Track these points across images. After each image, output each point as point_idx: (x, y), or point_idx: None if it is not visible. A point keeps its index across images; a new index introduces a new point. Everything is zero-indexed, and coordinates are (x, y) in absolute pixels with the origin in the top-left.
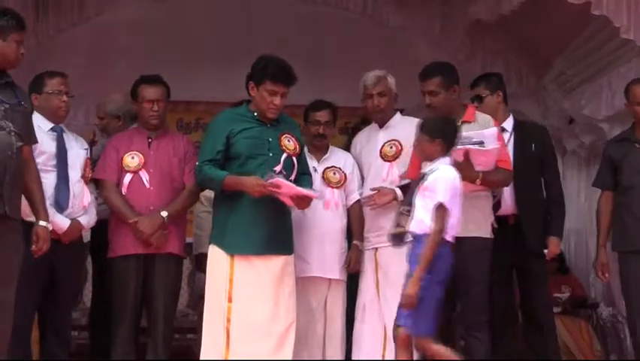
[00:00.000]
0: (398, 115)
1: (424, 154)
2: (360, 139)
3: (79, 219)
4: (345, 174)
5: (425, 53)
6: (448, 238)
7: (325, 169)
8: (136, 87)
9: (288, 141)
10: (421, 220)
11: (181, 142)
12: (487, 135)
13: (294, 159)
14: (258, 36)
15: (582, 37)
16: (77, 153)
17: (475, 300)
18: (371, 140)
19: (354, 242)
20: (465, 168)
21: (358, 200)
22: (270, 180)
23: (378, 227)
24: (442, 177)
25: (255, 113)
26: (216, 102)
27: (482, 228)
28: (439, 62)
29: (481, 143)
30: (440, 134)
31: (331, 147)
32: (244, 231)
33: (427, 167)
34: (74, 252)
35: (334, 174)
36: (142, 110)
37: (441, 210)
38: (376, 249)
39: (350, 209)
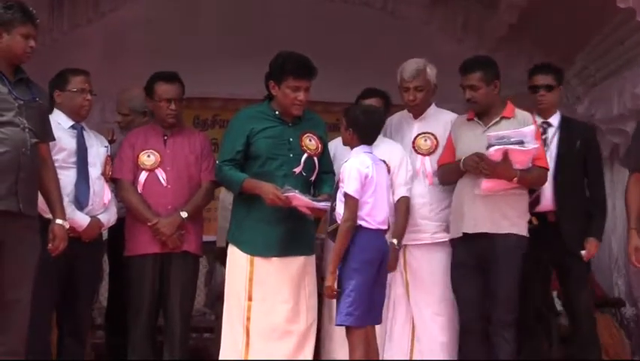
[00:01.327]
0: (434, 106)
1: (342, 141)
2: (390, 125)
3: (99, 217)
4: (388, 167)
5: (446, 49)
6: (367, 224)
7: None
8: (152, 84)
9: (310, 140)
10: (339, 213)
11: (197, 139)
12: (527, 134)
13: (315, 159)
14: (274, 30)
15: (605, 31)
16: (98, 150)
17: (503, 298)
18: (403, 129)
19: (392, 240)
20: (503, 167)
21: (406, 196)
22: (285, 194)
23: (410, 223)
24: (347, 167)
25: (277, 112)
26: (233, 98)
27: (516, 225)
28: (481, 56)
29: (520, 142)
30: (353, 124)
31: (380, 138)
32: (262, 231)
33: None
34: (93, 250)
35: None
36: (159, 109)
37: (347, 199)
38: (405, 246)
39: (396, 205)
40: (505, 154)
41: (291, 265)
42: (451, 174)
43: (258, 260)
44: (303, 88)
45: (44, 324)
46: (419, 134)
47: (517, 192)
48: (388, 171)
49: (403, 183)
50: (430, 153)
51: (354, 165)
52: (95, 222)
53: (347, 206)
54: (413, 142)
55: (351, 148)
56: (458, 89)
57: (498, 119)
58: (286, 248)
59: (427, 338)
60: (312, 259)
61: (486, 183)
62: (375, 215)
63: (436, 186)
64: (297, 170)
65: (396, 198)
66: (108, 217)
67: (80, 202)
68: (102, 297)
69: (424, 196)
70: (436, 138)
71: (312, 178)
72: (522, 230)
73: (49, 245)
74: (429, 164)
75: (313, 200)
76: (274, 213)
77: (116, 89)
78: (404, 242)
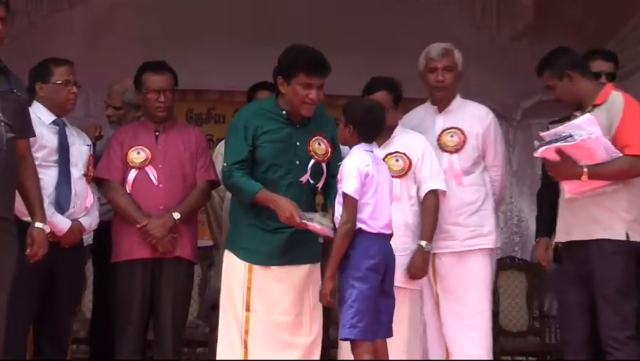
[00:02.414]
0: (459, 98)
1: (340, 139)
2: (411, 120)
3: (80, 220)
4: (410, 161)
5: (465, 34)
6: (367, 228)
7: (386, 156)
8: (139, 75)
9: (319, 144)
10: (338, 216)
11: (192, 135)
12: (579, 125)
13: (324, 165)
14: (277, 15)
15: (635, 20)
16: (80, 149)
17: (608, 313)
18: (425, 124)
19: (420, 242)
20: (564, 166)
21: (434, 190)
22: (303, 221)
23: (438, 228)
24: (346, 165)
25: (284, 112)
26: (230, 91)
27: (610, 229)
28: (547, 54)
29: (570, 136)
30: (352, 121)
31: (399, 129)
32: (262, 238)
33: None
34: (74, 256)
35: (396, 161)
36: (147, 102)
37: (346, 199)
38: (435, 255)
39: (423, 201)
40: (561, 152)
41: (293, 273)
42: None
43: (256, 269)
44: (315, 86)
45: (20, 337)
46: (444, 130)
47: (610, 189)
48: (410, 164)
49: (429, 176)
50: (457, 150)
51: (353, 163)
52: (76, 226)
53: (346, 207)
54: (438, 138)
55: (350, 147)
56: (479, 80)
57: (590, 108)
58: (288, 256)
59: (457, 354)
60: (317, 267)
61: (565, 186)
62: (376, 218)
63: (466, 187)
64: (304, 179)
65: (422, 194)
66: (90, 221)
67: (61, 204)
68: (86, 308)
69: (451, 199)
70: (463, 133)
71: (320, 185)
72: (620, 234)
73: (27, 250)
74: (457, 162)
75: (331, 228)
76: (276, 216)
77: (101, 80)
78: (433, 250)
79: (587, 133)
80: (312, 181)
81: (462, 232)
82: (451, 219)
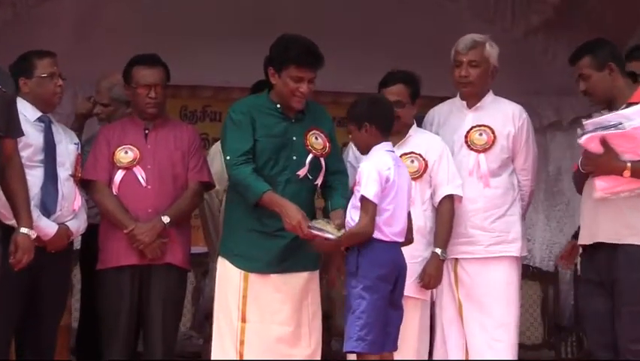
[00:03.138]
0: (491, 94)
1: (360, 148)
2: (437, 115)
3: (67, 224)
4: (425, 162)
5: (476, 28)
6: (381, 235)
7: (401, 156)
8: (129, 69)
9: (316, 138)
10: (350, 222)
11: (184, 133)
12: (629, 115)
13: (322, 159)
14: (277, 7)
15: None
16: (67, 147)
17: (628, 322)
18: (453, 120)
19: (435, 250)
20: (606, 159)
21: (450, 196)
22: (311, 231)
23: (461, 232)
24: (366, 167)
25: (278, 106)
26: (226, 87)
27: None
28: (590, 40)
29: (619, 124)
30: (366, 118)
31: (415, 128)
32: (259, 243)
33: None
34: (60, 262)
35: (412, 162)
36: (137, 97)
37: (366, 203)
38: (457, 260)
39: (438, 207)
40: (605, 143)
41: (291, 281)
42: (576, 178)
43: (252, 277)
44: (306, 79)
45: (2, 348)
46: (473, 127)
47: None
48: (426, 166)
49: (445, 180)
50: (485, 150)
51: (373, 166)
52: (63, 230)
53: (365, 211)
54: (466, 136)
55: (366, 151)
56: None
57: (625, 106)
58: (287, 263)
59: None
60: (316, 275)
61: (599, 183)
62: (392, 225)
63: (493, 189)
64: (302, 173)
65: (437, 199)
66: (78, 225)
67: (47, 207)
68: (72, 317)
69: (476, 201)
70: (493, 132)
71: (318, 182)
72: None
73: (11, 258)
74: (484, 163)
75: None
76: (273, 220)
77: (90, 75)
78: (454, 255)
79: (638, 122)
80: (310, 177)
81: (486, 237)
82: (475, 223)
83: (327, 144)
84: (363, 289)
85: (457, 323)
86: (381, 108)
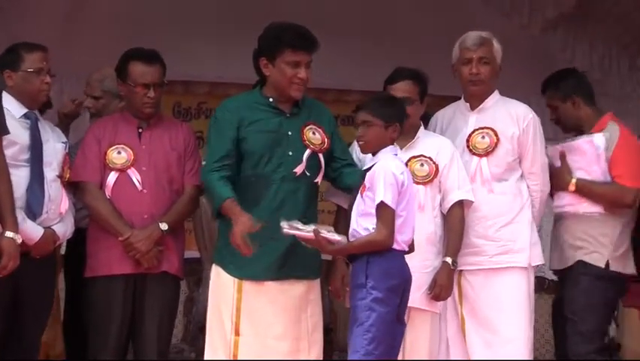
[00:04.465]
0: (496, 94)
1: (370, 147)
2: (440, 119)
3: (54, 227)
4: (436, 166)
5: (491, 22)
6: (395, 244)
7: (410, 159)
8: (125, 63)
9: (313, 133)
10: (354, 229)
11: (180, 132)
12: (585, 138)
13: (321, 156)
14: (275, 1)
15: None
16: (54, 146)
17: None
18: (456, 123)
19: (445, 259)
20: (559, 172)
21: (460, 202)
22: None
23: (465, 242)
24: (380, 170)
25: (271, 100)
26: (222, 82)
27: (590, 254)
28: (555, 73)
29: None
30: (396, 117)
31: (422, 130)
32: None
33: (371, 160)
34: (45, 268)
35: (421, 165)
36: (133, 96)
37: (383, 210)
38: (460, 272)
39: (448, 213)
40: (562, 156)
41: (289, 291)
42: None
43: (247, 285)
44: (303, 63)
45: None
46: (475, 130)
47: (600, 216)
48: (436, 170)
49: (456, 185)
50: (487, 154)
51: (389, 169)
52: (49, 234)
53: (384, 219)
54: (468, 140)
55: (373, 152)
56: (505, 73)
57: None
58: (285, 269)
59: None
60: (317, 283)
61: (554, 199)
62: (403, 232)
63: (498, 195)
64: (299, 170)
65: (447, 205)
66: (65, 229)
67: (33, 209)
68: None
69: (479, 209)
70: (495, 135)
71: (318, 180)
72: (599, 260)
73: None
74: (486, 167)
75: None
76: (271, 225)
77: (78, 69)
78: (466, 266)
79: (590, 139)
80: (308, 173)
81: (491, 246)
82: (480, 232)
83: (326, 140)
84: (374, 301)
85: (459, 339)
86: (404, 110)
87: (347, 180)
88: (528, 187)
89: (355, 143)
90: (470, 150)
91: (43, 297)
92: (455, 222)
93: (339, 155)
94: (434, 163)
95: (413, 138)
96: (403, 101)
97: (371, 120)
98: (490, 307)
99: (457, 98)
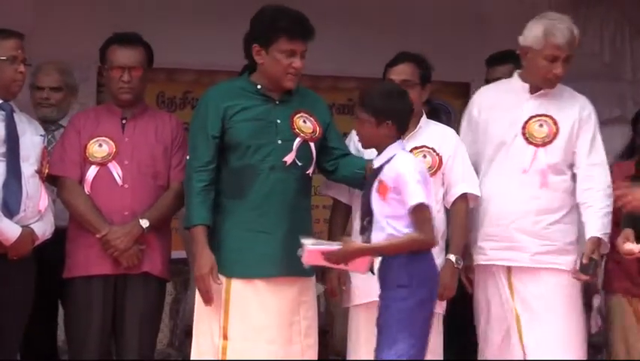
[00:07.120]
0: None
1: (367, 142)
2: (485, 99)
3: (32, 226)
4: (439, 158)
5: (492, 8)
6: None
7: (411, 150)
8: (105, 48)
9: (304, 121)
10: (391, 234)
11: (167, 124)
12: None
13: (312, 145)
14: None
15: None
16: (32, 140)
17: None
18: (507, 104)
19: (449, 257)
20: None
21: (464, 195)
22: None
23: (500, 235)
24: (402, 169)
25: (259, 87)
26: (209, 70)
27: None
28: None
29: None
30: (389, 114)
31: (425, 120)
32: (246, 243)
33: (376, 158)
34: (23, 270)
35: (424, 156)
36: (109, 81)
37: (422, 211)
38: (509, 269)
39: (452, 207)
40: None
41: (281, 291)
42: None
43: (236, 284)
44: (299, 52)
45: None
46: (532, 117)
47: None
48: (440, 162)
49: (460, 177)
50: (545, 144)
51: (409, 167)
52: (27, 233)
53: (424, 219)
54: (524, 126)
55: (371, 147)
56: None
57: None
58: (276, 267)
59: None
60: (311, 282)
61: None
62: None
63: (551, 191)
64: (289, 159)
65: (451, 199)
66: (44, 228)
67: (9, 207)
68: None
69: (528, 202)
70: (555, 124)
71: (309, 171)
72: None
73: None
74: (544, 158)
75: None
76: (263, 219)
77: (53, 56)
78: (502, 261)
79: None
80: (299, 163)
81: (533, 244)
82: (522, 227)
83: (318, 129)
84: (419, 304)
85: (511, 340)
86: (405, 103)
87: (344, 170)
88: (588, 183)
89: (353, 132)
90: (525, 138)
91: (23, 300)
92: (460, 216)
93: (335, 145)
94: (437, 155)
95: (415, 127)
96: (402, 95)
97: (363, 117)
98: (539, 302)
99: (460, 85)
